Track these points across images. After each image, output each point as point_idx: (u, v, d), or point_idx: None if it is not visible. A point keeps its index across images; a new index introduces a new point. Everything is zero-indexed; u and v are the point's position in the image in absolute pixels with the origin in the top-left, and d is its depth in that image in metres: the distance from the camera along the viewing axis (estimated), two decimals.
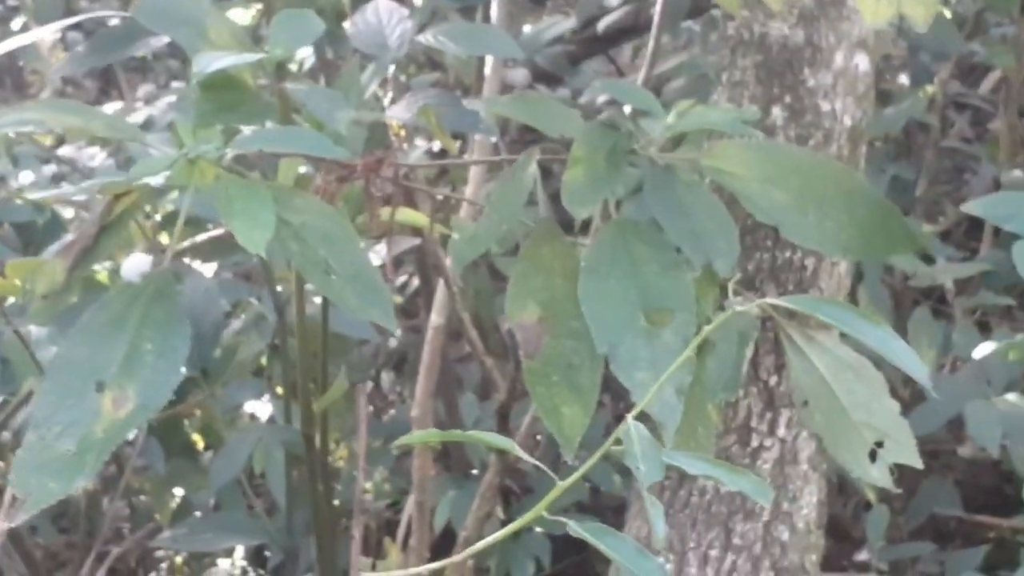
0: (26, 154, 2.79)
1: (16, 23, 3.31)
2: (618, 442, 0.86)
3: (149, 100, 3.16)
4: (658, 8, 1.93)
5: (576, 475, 0.89)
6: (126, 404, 1.03)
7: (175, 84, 3.36)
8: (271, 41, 1.19)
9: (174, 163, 1.05)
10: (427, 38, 1.64)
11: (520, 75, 3.01)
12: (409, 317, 2.86)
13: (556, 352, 1.13)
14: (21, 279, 1.13)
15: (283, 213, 1.08)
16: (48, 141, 3.34)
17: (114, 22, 1.89)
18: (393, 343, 2.90)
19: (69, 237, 1.96)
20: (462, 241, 1.21)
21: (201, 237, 1.59)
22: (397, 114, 1.57)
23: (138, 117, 2.86)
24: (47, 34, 1.45)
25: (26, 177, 2.75)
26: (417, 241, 1.54)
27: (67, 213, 2.89)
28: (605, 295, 1.10)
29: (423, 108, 1.39)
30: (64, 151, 2.84)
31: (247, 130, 1.15)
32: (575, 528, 0.83)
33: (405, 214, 1.41)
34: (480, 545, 0.95)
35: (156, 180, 1.04)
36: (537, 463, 0.92)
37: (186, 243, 1.54)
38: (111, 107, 3.30)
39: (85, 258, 1.14)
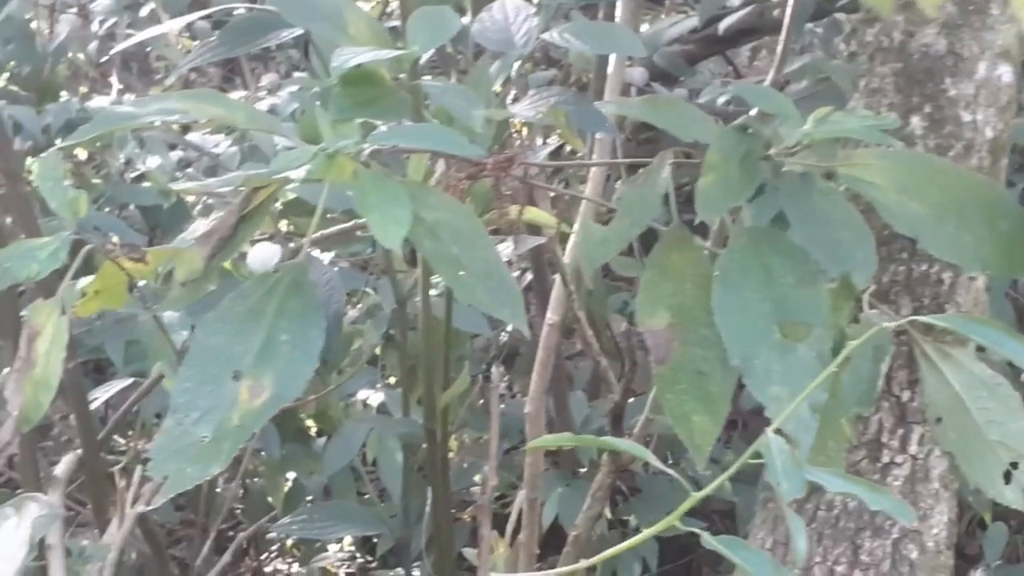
0: (154, 139, 2.86)
1: (144, 10, 3.38)
2: (756, 455, 0.85)
3: (272, 90, 3.21)
4: (788, 9, 1.90)
5: (713, 485, 0.88)
6: (262, 393, 1.04)
7: (296, 74, 3.40)
8: (409, 37, 1.20)
9: (314, 157, 1.06)
10: (553, 35, 1.64)
11: (638, 74, 2.99)
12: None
13: (686, 359, 1.12)
14: (161, 265, 1.15)
15: (418, 209, 1.09)
16: (175, 126, 3.42)
17: (241, 12, 1.92)
18: (504, 337, 2.91)
19: (202, 225, 2.01)
20: (592, 243, 1.20)
21: (332, 230, 1.60)
22: (522, 112, 1.57)
23: (262, 106, 2.90)
24: (178, 26, 1.47)
25: (153, 161, 2.82)
26: (541, 240, 1.54)
27: (190, 197, 2.96)
28: (739, 306, 1.09)
29: (553, 107, 1.38)
30: (190, 137, 2.90)
31: (383, 125, 1.15)
32: (709, 540, 0.83)
33: (531, 213, 1.41)
34: (608, 553, 0.94)
35: (297, 173, 1.06)
36: (670, 471, 0.92)
37: (316, 234, 1.56)
38: (235, 95, 3.36)
39: (224, 247, 1.16)
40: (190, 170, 2.85)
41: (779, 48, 1.87)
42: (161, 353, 1.46)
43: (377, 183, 1.07)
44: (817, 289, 1.10)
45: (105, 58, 3.07)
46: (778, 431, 0.90)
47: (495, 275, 1.11)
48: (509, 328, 3.03)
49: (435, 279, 1.70)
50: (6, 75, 2.92)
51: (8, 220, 1.48)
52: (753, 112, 1.73)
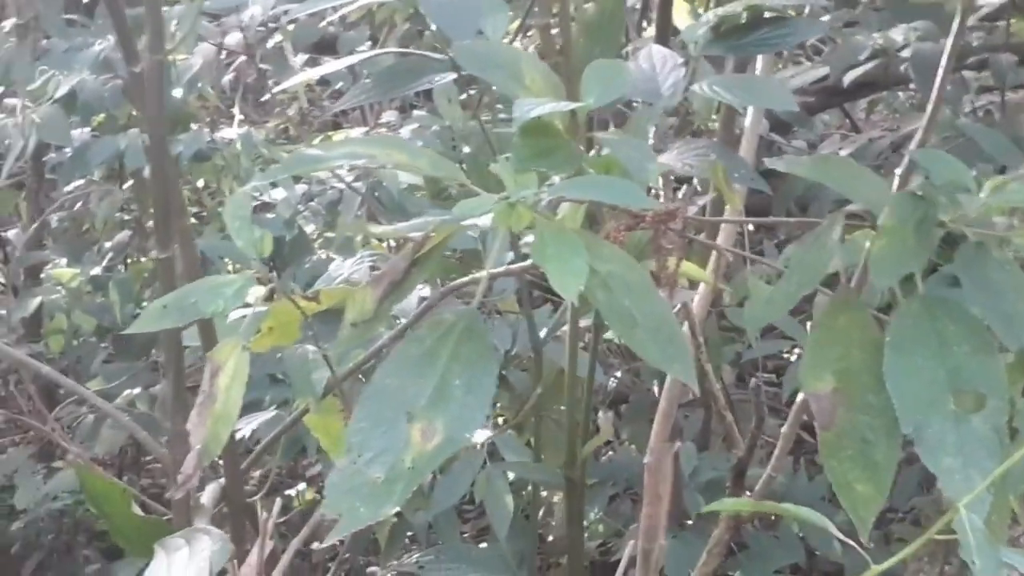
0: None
1: (271, 42, 3.45)
2: (947, 529, 0.84)
3: (392, 127, 3.26)
4: (943, 63, 1.87)
5: (894, 560, 0.87)
6: (434, 436, 1.05)
7: (416, 112, 3.45)
8: (584, 90, 1.21)
9: (496, 205, 1.07)
10: (702, 87, 1.65)
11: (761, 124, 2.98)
12: (631, 359, 2.86)
13: (851, 426, 1.12)
14: (333, 305, 1.17)
15: (592, 261, 1.10)
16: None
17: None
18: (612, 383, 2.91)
19: (345, 264, 2.05)
20: (758, 303, 1.20)
21: (499, 269, 1.60)
22: (674, 164, 1.58)
23: None
24: (319, 75, 1.51)
25: (279, 193, 2.87)
26: (694, 294, 1.54)
27: (308, 229, 3.01)
28: (912, 373, 1.08)
29: (711, 163, 1.39)
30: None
31: (556, 176, 1.17)
32: None
33: (686, 266, 1.41)
34: None
35: (481, 221, 1.07)
36: (852, 543, 0.91)
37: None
38: (355, 131, 3.42)
39: (394, 290, 1.18)
40: (313, 203, 2.90)
41: (929, 107, 1.84)
42: (305, 388, 1.47)
43: (555, 234, 1.08)
44: (993, 360, 1.09)
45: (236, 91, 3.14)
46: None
47: (666, 330, 1.11)
48: (618, 374, 3.03)
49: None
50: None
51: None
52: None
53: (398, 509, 2.63)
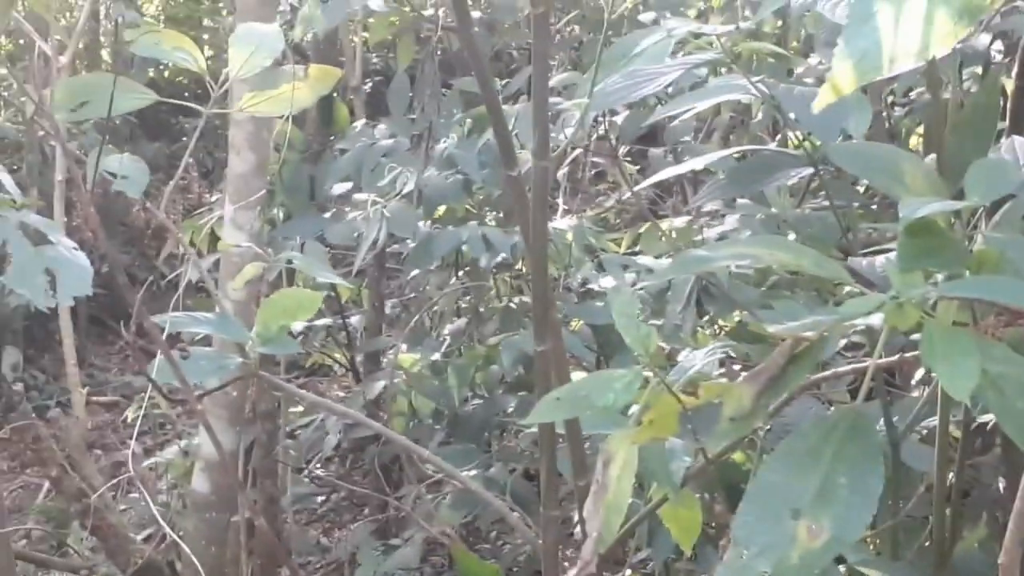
0: (611, 260, 2.99)
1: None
2: None
3: (716, 215, 3.28)
4: None
5: None
6: (821, 535, 1.06)
7: (740, 201, 3.46)
8: (969, 188, 1.21)
9: (884, 305, 1.08)
10: None
11: None
12: (974, 454, 2.75)
13: None
14: (710, 397, 1.19)
15: (982, 362, 1.08)
16: (617, 245, 3.57)
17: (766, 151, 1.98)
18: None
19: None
20: None
21: (843, 369, 1.61)
22: None
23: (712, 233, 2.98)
24: (701, 164, 1.55)
25: (607, 281, 2.94)
26: None
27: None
28: None
29: None
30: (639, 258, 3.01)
31: (941, 276, 1.16)
32: None
33: None
34: None
35: (874, 320, 1.08)
36: None
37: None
38: (679, 221, 3.47)
39: (772, 386, 1.20)
40: (639, 290, 2.95)
41: None
42: (663, 477, 1.50)
43: (945, 334, 1.08)
44: None
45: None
46: None
47: None
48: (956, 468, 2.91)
49: None
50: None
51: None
52: None
53: None
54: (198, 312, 1.52)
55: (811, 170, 1.65)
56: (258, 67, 1.59)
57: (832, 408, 2.09)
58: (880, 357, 1.37)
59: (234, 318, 1.50)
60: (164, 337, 1.40)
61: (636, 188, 3.12)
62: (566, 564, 1.81)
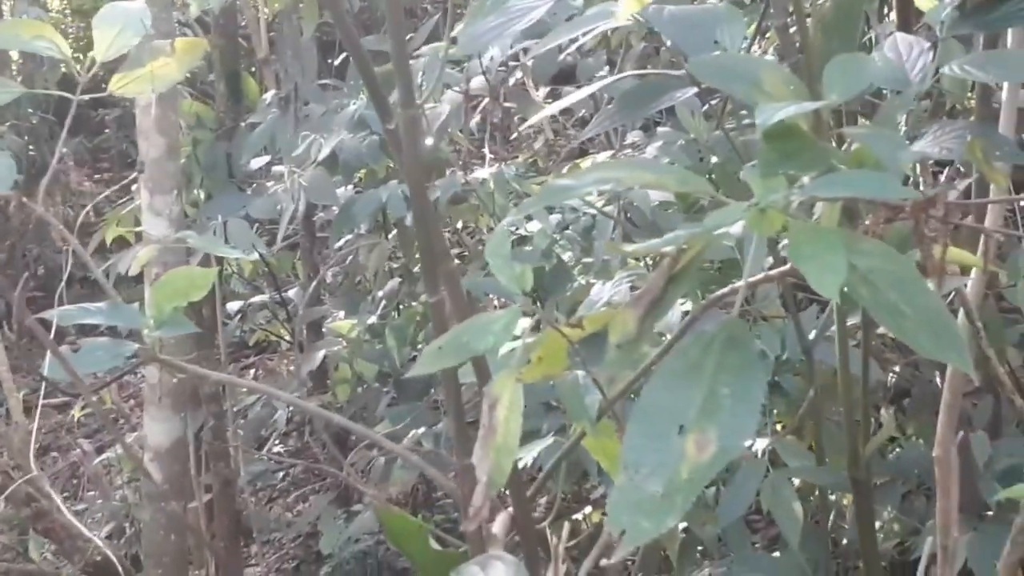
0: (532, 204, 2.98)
1: (512, 80, 3.53)
2: None
3: (639, 146, 3.28)
4: None
5: None
6: (708, 447, 1.06)
7: (660, 129, 3.46)
8: (826, 87, 1.20)
9: (747, 212, 1.08)
10: (953, 68, 1.60)
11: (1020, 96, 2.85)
12: (908, 352, 2.78)
13: None
14: (597, 329, 1.20)
15: (851, 257, 1.08)
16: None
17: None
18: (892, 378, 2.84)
19: (605, 288, 2.10)
20: None
21: (757, 277, 1.61)
22: (929, 150, 1.54)
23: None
24: (561, 107, 1.54)
25: (534, 225, 2.94)
26: (964, 279, 1.49)
27: (566, 256, 3.06)
28: None
29: (971, 142, 1.35)
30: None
31: (806, 177, 1.16)
32: None
33: (952, 253, 1.37)
34: None
35: (734, 229, 1.08)
36: None
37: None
38: (602, 155, 3.46)
39: (655, 308, 1.20)
40: (568, 231, 2.95)
41: None
42: (580, 413, 1.50)
43: (810, 234, 1.08)
44: None
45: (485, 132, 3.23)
46: None
47: (937, 319, 1.09)
48: (896, 368, 2.95)
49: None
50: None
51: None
52: None
53: (685, 524, 2.66)
54: (89, 304, 1.50)
55: (695, 89, 1.64)
56: (124, 47, 1.56)
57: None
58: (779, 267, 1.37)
59: (125, 305, 1.49)
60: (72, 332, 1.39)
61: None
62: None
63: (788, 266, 1.46)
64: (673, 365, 1.11)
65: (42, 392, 2.26)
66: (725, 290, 1.42)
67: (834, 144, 1.30)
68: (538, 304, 3.17)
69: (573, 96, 1.77)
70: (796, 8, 1.45)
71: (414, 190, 1.37)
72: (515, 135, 4.46)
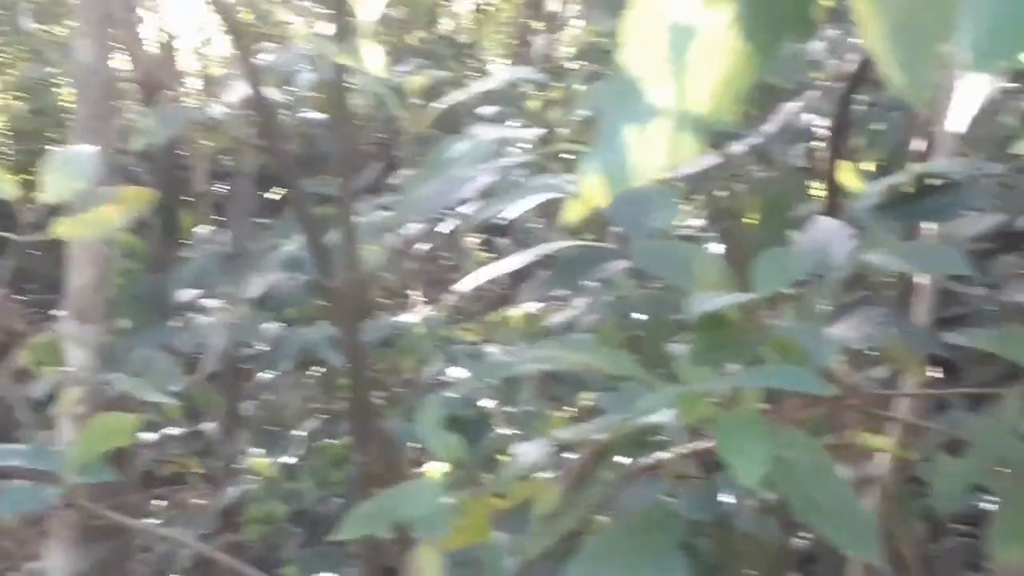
0: (460, 353, 3.02)
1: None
2: None
3: (563, 300, 3.33)
4: None
5: None
6: None
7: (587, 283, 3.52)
8: (758, 280, 1.25)
9: (677, 399, 1.11)
10: (873, 257, 1.67)
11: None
12: None
13: None
14: (519, 498, 1.21)
15: (775, 447, 1.12)
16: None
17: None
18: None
19: (531, 448, 2.12)
20: (944, 479, 1.20)
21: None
22: (847, 337, 1.59)
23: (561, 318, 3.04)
24: (516, 265, 1.58)
25: (458, 373, 2.96)
26: (880, 465, 1.54)
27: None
28: None
29: (890, 338, 1.40)
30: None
31: (734, 367, 1.20)
32: None
33: (869, 440, 1.42)
34: None
35: (662, 417, 1.11)
36: None
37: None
38: (531, 306, 3.51)
39: (580, 484, 1.22)
40: (489, 381, 2.98)
41: None
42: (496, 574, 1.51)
43: (738, 424, 1.11)
44: None
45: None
46: None
47: (848, 512, 1.13)
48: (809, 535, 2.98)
49: None
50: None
51: None
52: None
53: None
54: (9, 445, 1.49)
55: (625, 263, 1.69)
56: (70, 191, 1.58)
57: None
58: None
59: (47, 447, 1.48)
60: None
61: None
62: None
63: (712, 443, 1.50)
64: (596, 547, 1.13)
65: None
66: (650, 462, 1.45)
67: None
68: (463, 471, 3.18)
69: (516, 260, 1.81)
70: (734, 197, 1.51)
71: (352, 349, 1.39)
72: (444, 280, 4.51)
